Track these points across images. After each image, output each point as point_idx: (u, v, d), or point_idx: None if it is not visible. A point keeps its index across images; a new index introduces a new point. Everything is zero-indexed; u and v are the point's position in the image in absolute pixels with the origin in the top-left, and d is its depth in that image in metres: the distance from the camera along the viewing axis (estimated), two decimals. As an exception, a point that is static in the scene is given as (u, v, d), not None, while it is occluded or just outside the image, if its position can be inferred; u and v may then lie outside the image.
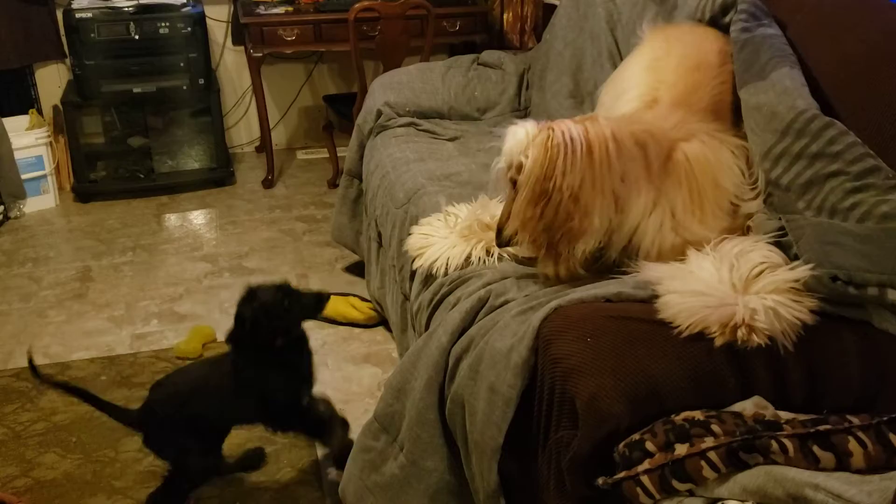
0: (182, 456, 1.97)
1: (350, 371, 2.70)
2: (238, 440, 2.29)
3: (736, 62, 1.98)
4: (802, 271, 1.53)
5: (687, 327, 1.45)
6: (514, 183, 1.73)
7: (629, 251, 1.76)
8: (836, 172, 1.66)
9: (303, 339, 1.98)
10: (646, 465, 1.32)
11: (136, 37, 3.90)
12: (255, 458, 2.25)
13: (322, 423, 2.06)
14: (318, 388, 2.58)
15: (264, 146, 4.35)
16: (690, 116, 1.87)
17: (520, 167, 1.70)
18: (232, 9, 4.39)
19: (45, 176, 4.00)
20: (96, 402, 2.03)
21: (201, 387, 1.97)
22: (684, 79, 1.98)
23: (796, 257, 1.59)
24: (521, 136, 1.71)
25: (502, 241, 1.78)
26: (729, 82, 2.00)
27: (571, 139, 1.64)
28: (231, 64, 4.55)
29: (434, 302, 1.92)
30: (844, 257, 1.48)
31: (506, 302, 1.70)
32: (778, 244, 1.66)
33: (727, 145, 1.86)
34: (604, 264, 1.78)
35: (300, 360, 1.97)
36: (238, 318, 1.89)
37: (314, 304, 1.91)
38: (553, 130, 1.67)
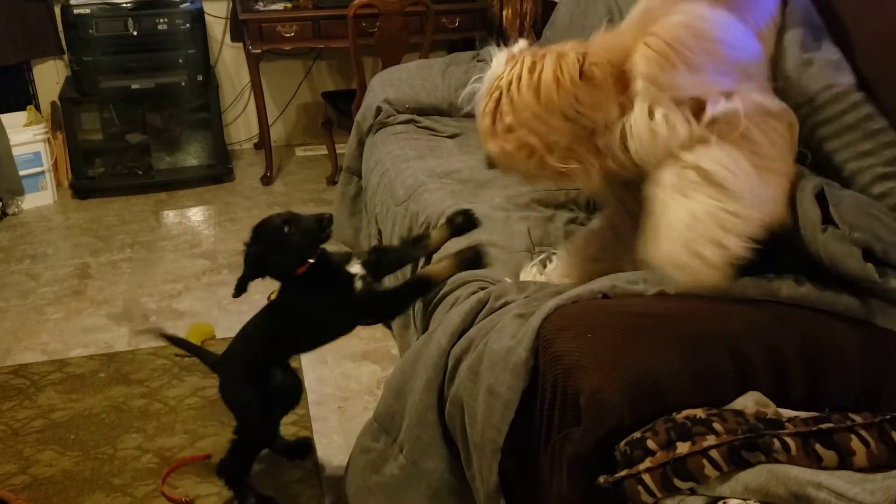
0: (245, 409, 2.02)
1: (349, 368, 2.70)
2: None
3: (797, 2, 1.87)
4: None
5: None
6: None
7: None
8: (869, 152, 1.63)
9: (329, 262, 1.96)
10: (647, 463, 1.31)
11: (135, 33, 3.88)
12: (304, 448, 2.28)
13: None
14: (316, 386, 2.60)
15: (263, 143, 4.34)
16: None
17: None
18: (231, 5, 4.38)
19: (43, 172, 3.99)
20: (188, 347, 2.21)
21: (260, 329, 2.04)
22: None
23: (827, 218, 1.52)
24: (502, 60, 1.68)
25: (491, 164, 1.75)
26: None
27: (561, 67, 1.59)
28: (230, 60, 4.54)
29: (434, 301, 1.91)
30: (885, 231, 1.45)
31: (505, 304, 1.69)
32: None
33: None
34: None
35: (335, 282, 1.95)
36: (248, 257, 1.89)
37: (316, 226, 1.87)
38: (542, 58, 1.62)
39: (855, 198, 1.57)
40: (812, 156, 1.73)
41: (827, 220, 1.52)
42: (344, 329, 2.02)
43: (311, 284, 1.90)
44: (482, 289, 1.80)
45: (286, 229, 1.85)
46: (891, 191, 1.57)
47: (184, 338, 2.73)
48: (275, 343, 2.02)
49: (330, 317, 1.95)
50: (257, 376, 2.00)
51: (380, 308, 1.99)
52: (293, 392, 2.08)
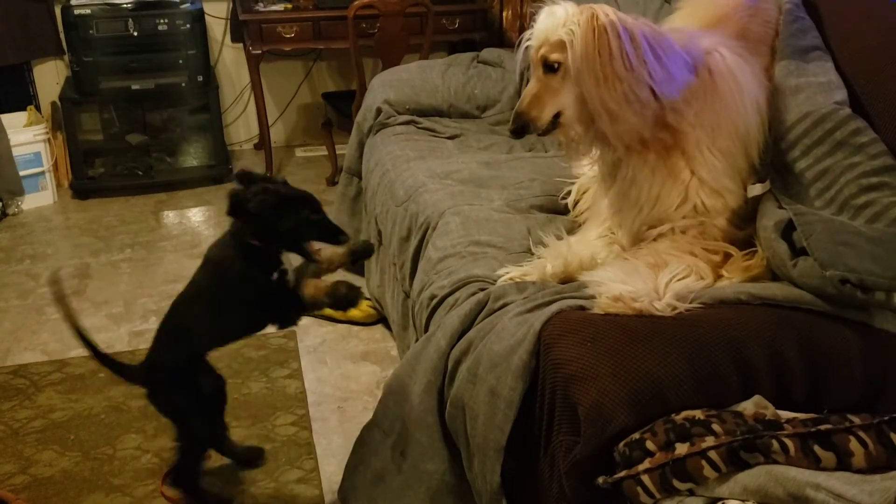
0: (182, 413, 1.96)
1: (349, 369, 2.70)
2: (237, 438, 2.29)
3: (784, 31, 1.94)
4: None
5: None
6: (546, 64, 1.71)
7: None
8: (856, 164, 1.64)
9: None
10: (646, 464, 1.31)
11: (135, 33, 3.88)
12: (254, 455, 2.23)
13: None
14: (316, 386, 2.60)
15: (263, 143, 4.34)
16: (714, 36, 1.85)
17: (557, 46, 1.67)
18: (231, 6, 4.38)
19: (43, 173, 3.99)
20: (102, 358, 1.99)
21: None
22: (707, 13, 1.97)
23: (802, 251, 1.57)
24: (559, 15, 1.68)
25: (518, 131, 1.78)
26: (758, 16, 1.97)
27: (620, 18, 1.62)
28: (230, 61, 4.54)
29: (434, 303, 1.91)
30: (857, 260, 1.47)
31: (504, 305, 1.69)
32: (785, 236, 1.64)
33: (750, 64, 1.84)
34: None
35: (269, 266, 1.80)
36: (233, 196, 1.70)
37: (327, 233, 1.74)
38: (595, 9, 1.63)
39: (826, 225, 1.58)
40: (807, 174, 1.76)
41: (795, 248, 1.58)
42: (249, 322, 1.87)
43: (250, 254, 1.74)
44: (482, 290, 1.80)
45: (290, 212, 1.69)
46: (874, 200, 1.59)
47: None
48: (190, 331, 1.88)
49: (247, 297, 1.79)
50: (185, 378, 1.92)
51: (283, 309, 1.83)
52: (219, 392, 2.05)
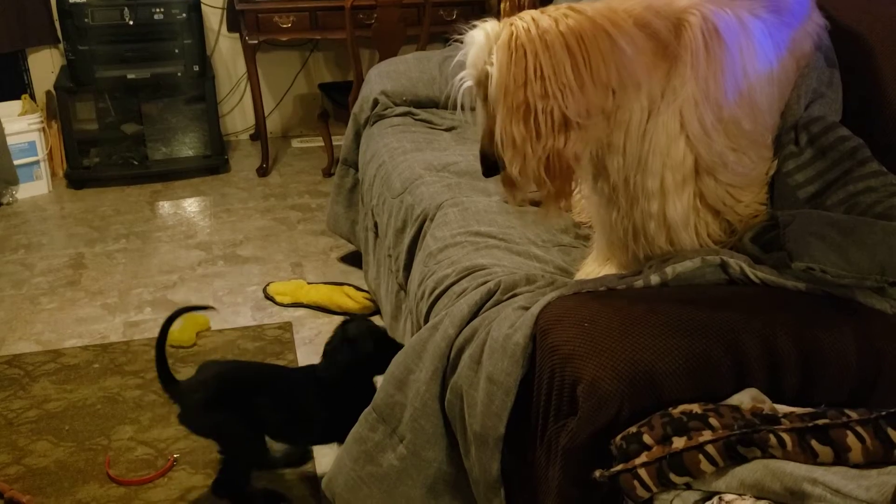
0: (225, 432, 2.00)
1: (344, 361, 2.69)
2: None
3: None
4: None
5: None
6: (486, 98, 1.49)
7: (634, 178, 1.58)
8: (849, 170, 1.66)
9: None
10: (643, 458, 1.31)
11: (131, 22, 3.87)
12: (300, 455, 2.26)
13: None
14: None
15: (259, 134, 4.33)
16: None
17: (485, 77, 1.46)
18: (227, -5, 4.36)
19: (37, 162, 3.97)
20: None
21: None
22: None
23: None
24: (481, 40, 1.47)
25: (488, 170, 1.57)
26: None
27: (540, 32, 1.40)
28: (226, 51, 4.52)
29: (437, 292, 1.91)
30: (823, 252, 1.48)
31: (514, 296, 1.69)
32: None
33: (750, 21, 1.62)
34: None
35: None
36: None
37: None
38: (515, 26, 1.42)
39: (801, 217, 1.59)
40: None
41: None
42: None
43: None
44: (489, 280, 1.78)
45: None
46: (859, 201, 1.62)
47: (178, 329, 2.71)
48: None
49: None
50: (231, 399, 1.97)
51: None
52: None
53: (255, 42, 3.94)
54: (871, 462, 1.21)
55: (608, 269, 1.80)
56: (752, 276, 1.54)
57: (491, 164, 1.56)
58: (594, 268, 1.83)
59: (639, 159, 1.57)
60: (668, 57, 1.52)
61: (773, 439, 1.24)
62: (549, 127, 1.43)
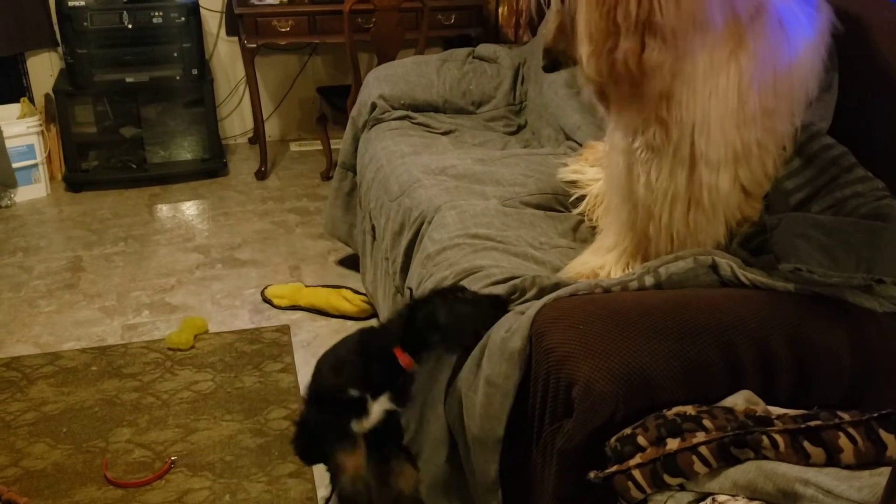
0: None
1: (342, 364, 2.70)
2: (221, 438, 2.29)
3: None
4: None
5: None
6: None
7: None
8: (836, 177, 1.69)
9: None
10: (637, 459, 1.32)
11: (130, 26, 3.88)
12: None
13: None
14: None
15: (257, 137, 4.33)
16: None
17: None
18: (226, -1, 4.37)
19: (36, 165, 3.98)
20: None
21: None
22: None
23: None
24: None
25: (549, 64, 1.62)
26: None
27: None
28: (225, 55, 4.53)
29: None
30: (809, 253, 1.49)
31: (524, 301, 1.70)
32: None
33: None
34: None
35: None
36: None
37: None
38: None
39: (787, 219, 1.61)
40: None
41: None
42: None
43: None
44: (502, 281, 1.78)
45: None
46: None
47: (176, 332, 2.67)
48: None
49: None
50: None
51: None
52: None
53: (254, 46, 3.95)
54: (863, 463, 1.23)
55: (609, 259, 1.80)
56: (742, 278, 1.55)
57: (553, 60, 1.60)
58: (590, 258, 1.83)
59: (700, 122, 1.54)
60: (737, 34, 1.52)
61: (765, 441, 1.25)
62: (633, 25, 1.42)
